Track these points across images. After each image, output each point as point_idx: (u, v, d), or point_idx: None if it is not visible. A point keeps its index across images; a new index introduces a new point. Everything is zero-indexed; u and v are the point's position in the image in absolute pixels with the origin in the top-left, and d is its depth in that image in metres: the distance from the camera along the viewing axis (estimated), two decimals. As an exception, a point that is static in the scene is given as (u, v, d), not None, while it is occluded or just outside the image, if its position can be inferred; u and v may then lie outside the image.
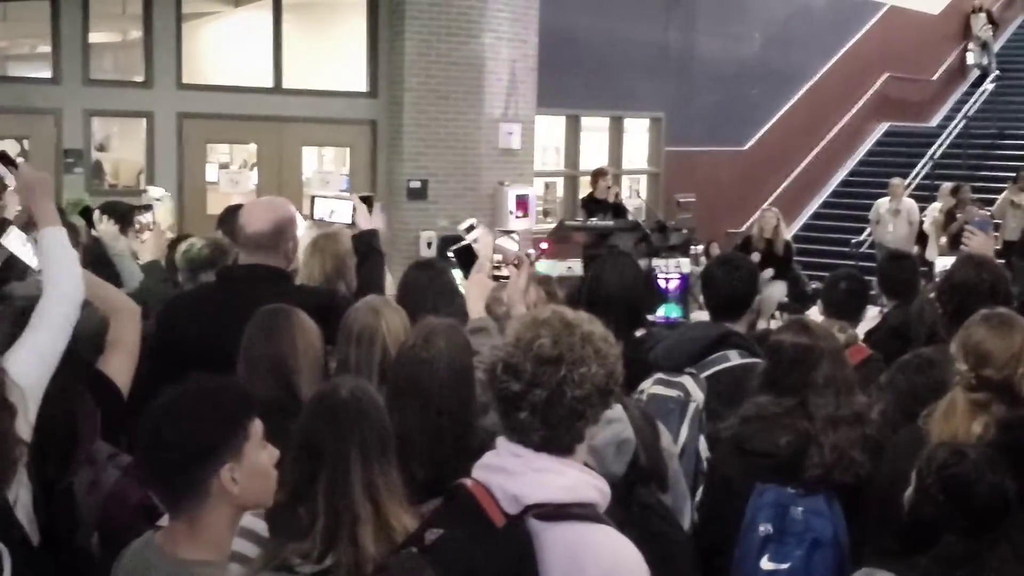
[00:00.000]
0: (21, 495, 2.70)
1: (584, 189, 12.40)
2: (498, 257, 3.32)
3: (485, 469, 1.95)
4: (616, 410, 2.65)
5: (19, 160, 3.24)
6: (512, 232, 3.32)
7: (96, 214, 4.74)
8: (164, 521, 2.19)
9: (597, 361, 1.93)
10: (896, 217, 13.02)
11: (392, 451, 2.22)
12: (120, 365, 3.08)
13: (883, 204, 13.28)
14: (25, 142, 9.35)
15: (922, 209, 13.41)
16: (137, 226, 3.67)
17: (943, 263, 4.07)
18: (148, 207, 3.59)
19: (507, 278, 3.24)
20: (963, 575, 2.29)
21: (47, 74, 9.47)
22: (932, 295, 3.64)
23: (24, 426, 2.66)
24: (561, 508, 1.88)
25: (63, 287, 2.91)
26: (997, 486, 2.33)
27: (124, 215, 5.23)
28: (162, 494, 2.04)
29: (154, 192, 3.57)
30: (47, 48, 9.50)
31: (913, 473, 2.53)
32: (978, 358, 2.79)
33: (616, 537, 1.92)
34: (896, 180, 13.58)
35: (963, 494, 2.34)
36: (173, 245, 4.63)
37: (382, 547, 2.09)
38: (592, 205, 10.76)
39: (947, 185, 13.34)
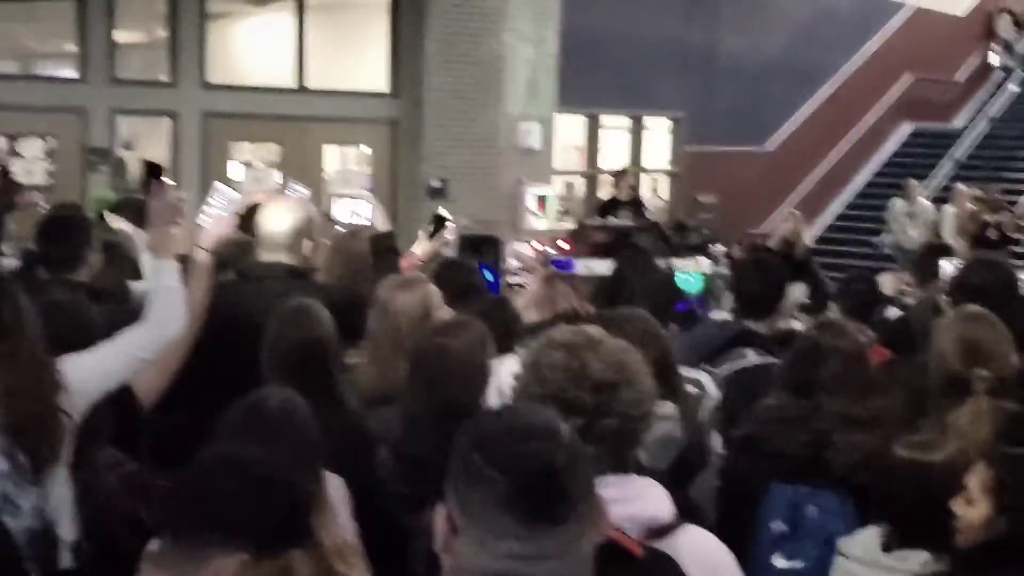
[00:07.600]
0: (58, 492, 2.67)
1: (604, 189, 12.40)
2: (517, 264, 3.36)
3: None
4: (667, 407, 2.66)
5: (168, 182, 3.16)
6: (530, 239, 3.33)
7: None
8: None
9: (645, 375, 1.80)
10: (912, 220, 12.92)
11: (320, 464, 2.20)
12: (150, 381, 2.97)
13: (899, 205, 13.17)
14: (51, 140, 9.46)
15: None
16: None
17: (946, 266, 4.08)
18: None
19: (524, 285, 3.29)
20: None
21: (73, 73, 9.57)
22: (935, 298, 3.64)
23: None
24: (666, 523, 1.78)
25: (165, 329, 2.81)
26: None
27: (143, 210, 5.27)
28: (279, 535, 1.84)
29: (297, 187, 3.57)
30: (73, 47, 9.60)
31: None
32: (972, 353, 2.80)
33: (701, 530, 1.88)
34: (912, 182, 13.51)
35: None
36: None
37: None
38: (611, 207, 10.74)
39: (961, 187, 13.27)
